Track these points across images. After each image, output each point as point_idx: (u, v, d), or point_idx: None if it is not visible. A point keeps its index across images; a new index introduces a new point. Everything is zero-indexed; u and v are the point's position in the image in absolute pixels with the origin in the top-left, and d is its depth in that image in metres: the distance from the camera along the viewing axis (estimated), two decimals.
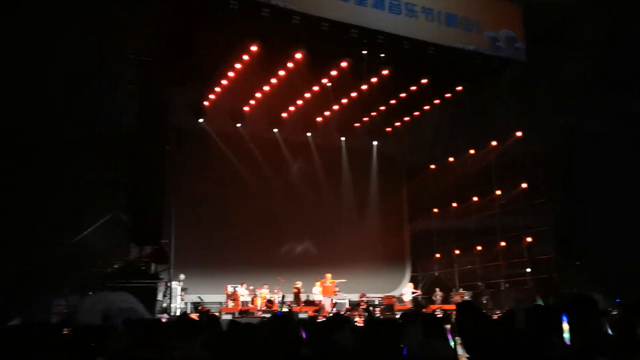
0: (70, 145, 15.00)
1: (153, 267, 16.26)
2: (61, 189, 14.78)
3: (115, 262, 16.24)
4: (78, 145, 15.16)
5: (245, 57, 16.33)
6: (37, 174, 14.41)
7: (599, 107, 16.63)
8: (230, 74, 17.45)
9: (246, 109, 20.28)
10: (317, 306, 17.73)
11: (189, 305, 17.36)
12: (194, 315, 7.95)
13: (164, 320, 8.63)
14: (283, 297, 17.40)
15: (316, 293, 18.42)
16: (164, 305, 16.17)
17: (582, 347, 3.05)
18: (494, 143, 19.93)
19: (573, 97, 17.06)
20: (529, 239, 18.67)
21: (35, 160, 14.46)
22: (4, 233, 13.58)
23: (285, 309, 15.74)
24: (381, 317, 16.83)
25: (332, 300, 17.71)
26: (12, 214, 13.88)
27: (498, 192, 20.09)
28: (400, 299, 19.76)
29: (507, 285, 19.54)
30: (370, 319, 8.86)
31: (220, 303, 17.88)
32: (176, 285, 16.64)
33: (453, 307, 18.82)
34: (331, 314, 10.98)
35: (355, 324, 9.88)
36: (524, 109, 18.39)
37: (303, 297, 18.51)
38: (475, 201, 21.07)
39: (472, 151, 20.96)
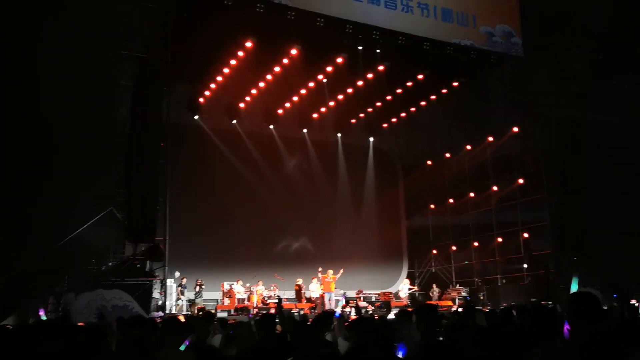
0: (64, 142, 14.81)
1: (148, 264, 16.13)
2: (56, 185, 14.61)
3: (111, 259, 16.10)
4: (72, 142, 14.98)
5: (240, 53, 16.25)
6: (31, 171, 14.24)
7: (598, 98, 16.53)
8: (226, 70, 17.36)
9: (242, 105, 20.18)
10: (313, 303, 17.63)
11: (185, 304, 17.25)
12: (182, 318, 7.85)
13: (158, 320, 8.51)
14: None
15: (313, 290, 18.29)
16: (159, 303, 16.05)
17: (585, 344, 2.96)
18: (490, 138, 19.89)
19: (572, 89, 16.99)
20: (525, 235, 18.65)
21: (30, 157, 14.27)
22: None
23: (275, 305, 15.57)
24: (371, 313, 16.78)
25: (330, 296, 17.52)
26: (7, 211, 13.72)
27: (494, 188, 20.07)
28: (397, 295, 19.69)
29: (504, 281, 19.50)
30: (359, 316, 8.73)
31: (217, 300, 17.79)
32: (171, 283, 16.53)
33: (449, 303, 18.80)
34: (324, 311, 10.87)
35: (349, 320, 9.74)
36: (521, 103, 18.29)
37: (306, 294, 18.36)
38: (472, 197, 21.05)
39: (468, 147, 20.92)
